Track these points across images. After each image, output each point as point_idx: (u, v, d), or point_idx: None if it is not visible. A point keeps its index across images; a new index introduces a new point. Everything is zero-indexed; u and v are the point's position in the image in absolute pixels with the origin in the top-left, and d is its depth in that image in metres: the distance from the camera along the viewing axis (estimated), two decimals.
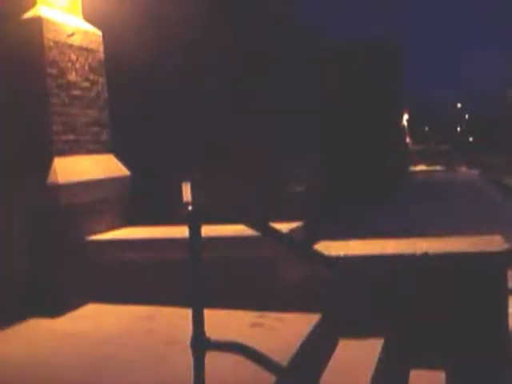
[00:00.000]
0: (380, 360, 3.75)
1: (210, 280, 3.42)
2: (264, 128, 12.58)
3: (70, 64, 4.83)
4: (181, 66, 10.45)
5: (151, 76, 9.60)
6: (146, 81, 9.52)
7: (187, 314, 2.73)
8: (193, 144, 10.34)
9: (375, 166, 23.35)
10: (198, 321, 2.61)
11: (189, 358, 2.72)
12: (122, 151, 5.50)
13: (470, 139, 72.52)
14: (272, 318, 4.04)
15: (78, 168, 4.84)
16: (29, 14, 4.59)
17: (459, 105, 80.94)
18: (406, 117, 44.47)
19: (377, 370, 3.60)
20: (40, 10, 4.61)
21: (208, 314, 2.85)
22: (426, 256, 4.09)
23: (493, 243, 4.23)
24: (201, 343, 2.61)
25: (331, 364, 3.73)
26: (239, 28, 12.56)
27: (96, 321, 4.32)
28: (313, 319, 3.95)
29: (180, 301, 3.57)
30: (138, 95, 9.28)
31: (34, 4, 4.63)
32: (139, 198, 5.58)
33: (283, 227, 4.35)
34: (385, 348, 3.92)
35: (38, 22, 4.55)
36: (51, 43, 4.61)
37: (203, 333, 2.63)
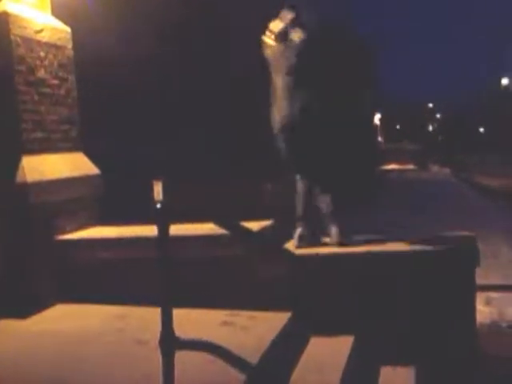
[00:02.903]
0: (350, 357, 3.77)
1: (182, 279, 3.41)
2: (241, 128, 12.55)
3: (38, 61, 4.75)
4: (156, 64, 10.35)
5: (123, 73, 9.50)
6: (117, 78, 9.42)
7: (159, 313, 2.72)
8: (166, 142, 10.27)
9: (349, 165, 23.48)
10: (167, 320, 2.60)
11: (159, 358, 2.71)
12: (93, 149, 5.44)
13: (440, 138, 73.56)
14: (244, 317, 4.04)
15: (48, 166, 4.77)
16: None
17: (431, 105, 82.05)
18: (378, 116, 44.83)
19: (347, 366, 3.62)
20: (7, 6, 4.52)
21: (180, 313, 2.84)
22: (397, 253, 4.13)
23: (461, 240, 4.29)
24: (170, 342, 2.60)
25: (302, 361, 3.74)
26: (217, 27, 12.51)
27: (66, 321, 4.27)
28: (284, 317, 3.96)
29: (151, 300, 3.55)
30: (109, 92, 9.18)
31: None
32: (112, 197, 5.53)
33: (255, 226, 4.35)
34: (355, 345, 3.95)
35: (4, 17, 4.46)
36: (18, 39, 4.54)
37: (172, 332, 2.62)
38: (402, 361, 4.01)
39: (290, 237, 4.50)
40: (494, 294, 6.88)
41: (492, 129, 55.76)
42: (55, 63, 4.97)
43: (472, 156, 45.03)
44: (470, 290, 4.13)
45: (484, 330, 5.67)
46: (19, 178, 4.43)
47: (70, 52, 5.20)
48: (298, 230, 4.36)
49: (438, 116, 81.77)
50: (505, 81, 57.01)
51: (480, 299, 5.30)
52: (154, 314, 2.90)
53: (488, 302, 6.62)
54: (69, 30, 5.20)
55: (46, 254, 4.60)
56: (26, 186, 4.43)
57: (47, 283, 4.59)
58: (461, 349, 4.03)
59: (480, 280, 4.34)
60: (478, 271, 4.16)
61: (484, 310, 6.27)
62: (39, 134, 4.74)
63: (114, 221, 5.21)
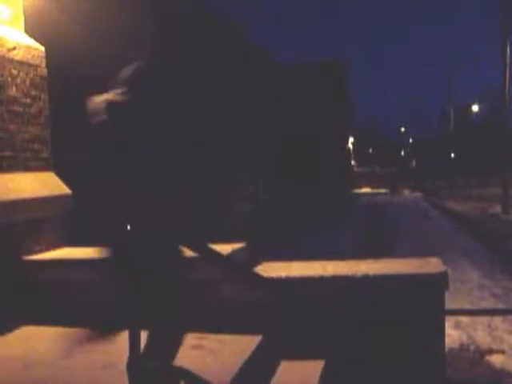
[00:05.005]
0: (320, 382, 3.75)
1: None
2: (211, 148, 12.57)
3: (10, 79, 4.71)
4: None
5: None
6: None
7: (126, 336, 2.68)
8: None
9: (323, 189, 23.66)
10: (135, 343, 2.56)
11: (126, 382, 2.66)
12: (64, 169, 5.37)
13: (413, 163, 74.60)
14: (213, 340, 4.00)
15: (16, 185, 4.70)
16: None
17: (403, 129, 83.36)
18: (351, 139, 45.36)
19: None
20: None
21: None
22: (366, 277, 4.15)
23: (430, 265, 4.33)
24: (137, 366, 2.56)
25: None
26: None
27: (31, 343, 4.17)
28: (254, 341, 3.93)
29: (119, 322, 3.50)
30: (83, 110, 9.10)
31: None
32: (82, 218, 5.45)
33: (227, 248, 4.33)
34: (325, 370, 3.93)
35: None
36: None
37: (139, 356, 2.58)
38: None
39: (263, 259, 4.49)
40: (462, 318, 6.95)
41: (462, 154, 56.85)
42: (28, 82, 4.93)
43: (442, 180, 45.72)
44: (440, 313, 4.16)
45: (453, 354, 5.72)
46: None
47: (43, 71, 5.15)
48: None
49: (411, 140, 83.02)
50: (475, 107, 58.24)
51: (449, 323, 5.35)
52: (121, 337, 2.86)
53: (457, 326, 6.68)
54: (43, 48, 5.16)
55: (12, 274, 4.51)
56: None
57: (12, 305, 4.49)
58: (429, 373, 4.04)
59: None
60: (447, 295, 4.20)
61: (453, 334, 6.32)
62: (8, 153, 4.67)
63: (86, 242, 5.13)
